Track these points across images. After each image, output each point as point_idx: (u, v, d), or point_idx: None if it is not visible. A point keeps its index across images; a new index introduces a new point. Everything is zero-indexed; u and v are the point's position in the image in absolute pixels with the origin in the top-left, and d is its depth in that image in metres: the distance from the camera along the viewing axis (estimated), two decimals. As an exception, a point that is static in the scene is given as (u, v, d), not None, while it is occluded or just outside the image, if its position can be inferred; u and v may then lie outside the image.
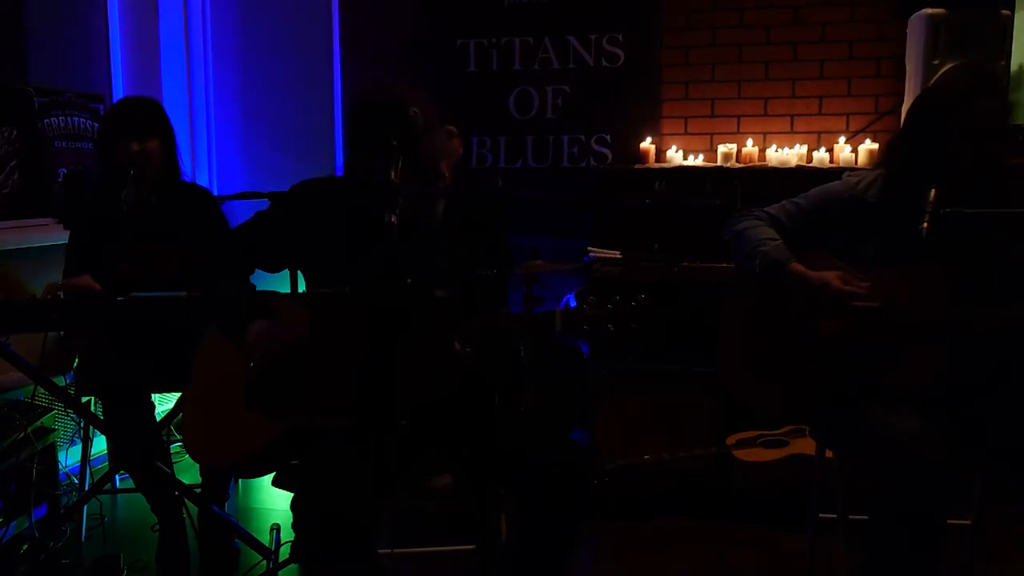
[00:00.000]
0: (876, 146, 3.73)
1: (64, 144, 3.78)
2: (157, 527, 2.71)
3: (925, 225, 1.98)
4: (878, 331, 2.13)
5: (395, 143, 1.71)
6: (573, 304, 3.70)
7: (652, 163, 3.99)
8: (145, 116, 2.78)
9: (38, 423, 2.91)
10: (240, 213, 2.93)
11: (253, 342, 1.91)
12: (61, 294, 2.52)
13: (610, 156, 4.18)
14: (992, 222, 2.09)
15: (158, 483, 2.64)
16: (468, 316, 1.82)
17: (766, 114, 4.02)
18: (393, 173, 1.67)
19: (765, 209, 2.33)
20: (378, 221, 1.72)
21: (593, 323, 1.82)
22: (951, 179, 2.07)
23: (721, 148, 3.90)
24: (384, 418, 1.90)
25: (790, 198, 2.34)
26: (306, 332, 1.90)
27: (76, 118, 3.85)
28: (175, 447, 3.38)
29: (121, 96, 4.18)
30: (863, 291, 2.13)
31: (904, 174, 2.18)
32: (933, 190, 2.02)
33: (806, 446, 3.06)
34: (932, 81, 3.36)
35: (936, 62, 3.38)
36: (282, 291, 2.05)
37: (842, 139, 3.86)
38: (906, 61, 3.60)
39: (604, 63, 4.15)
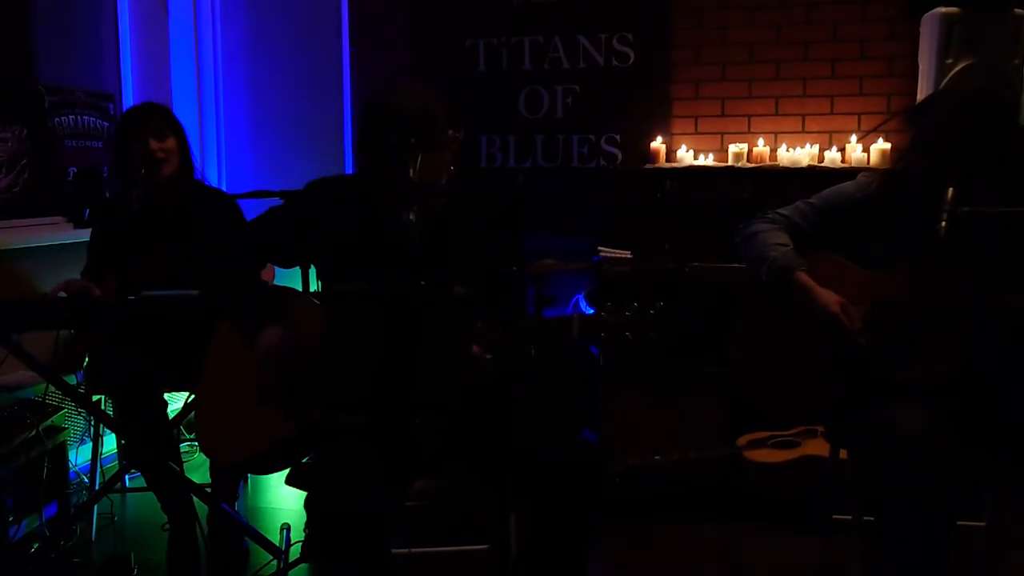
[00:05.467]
0: (888, 146, 3.72)
1: (74, 143, 3.78)
2: (167, 526, 2.71)
3: (943, 224, 1.97)
4: (891, 328, 2.12)
5: (413, 140, 1.71)
6: (583, 304, 3.69)
7: (662, 163, 3.97)
8: (161, 117, 2.81)
9: (48, 422, 2.90)
10: (250, 212, 2.92)
11: (263, 356, 1.91)
12: (63, 293, 2.54)
13: (620, 156, 4.17)
14: (1009, 220, 2.08)
15: (169, 482, 2.64)
16: (487, 314, 1.81)
17: (777, 114, 4.00)
18: (412, 171, 1.67)
19: (779, 211, 2.33)
20: (395, 218, 1.71)
21: (611, 331, 1.80)
22: (966, 178, 2.06)
23: (732, 148, 3.88)
24: (399, 416, 1.90)
25: (804, 199, 2.34)
26: (318, 340, 1.90)
27: (86, 117, 3.85)
28: (184, 446, 3.38)
29: (131, 94, 4.19)
30: (855, 329, 2.12)
31: (916, 173, 2.18)
32: (951, 189, 2.01)
33: (818, 447, 3.05)
34: (944, 81, 3.36)
35: (949, 61, 3.37)
36: (294, 287, 2.05)
37: (854, 138, 3.84)
38: (919, 60, 3.58)
39: (614, 62, 4.14)
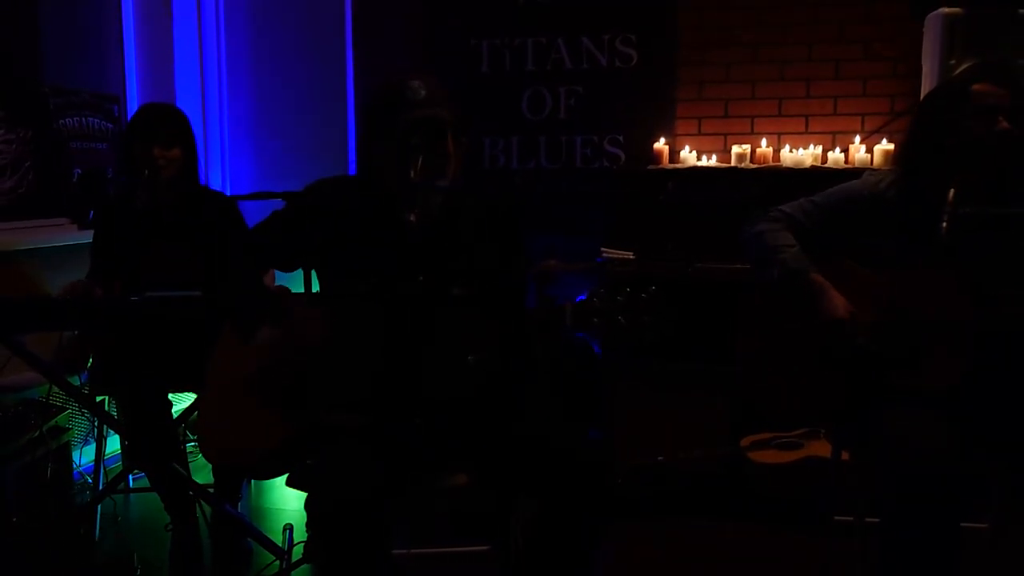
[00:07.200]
0: (892, 147, 3.71)
1: (79, 144, 3.79)
2: (170, 527, 2.72)
3: (944, 225, 1.96)
4: (897, 333, 2.11)
5: (415, 141, 1.70)
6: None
7: (665, 164, 3.97)
8: (170, 125, 2.80)
9: (52, 422, 2.91)
10: (253, 213, 2.93)
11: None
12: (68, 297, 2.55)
13: (623, 157, 4.16)
14: (1012, 221, 2.08)
15: (172, 482, 2.65)
16: (486, 315, 1.81)
17: (780, 114, 3.99)
18: (412, 172, 1.66)
19: (781, 208, 2.32)
20: (397, 220, 1.70)
21: (604, 316, 1.79)
22: (968, 176, 2.06)
23: (735, 149, 3.88)
24: (399, 416, 1.90)
25: (808, 196, 2.33)
26: (316, 341, 1.89)
27: (91, 119, 3.86)
28: (188, 447, 3.39)
29: (136, 96, 4.20)
30: (859, 338, 2.12)
31: (917, 173, 2.17)
32: (951, 190, 2.00)
33: (821, 448, 3.05)
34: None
35: (953, 62, 3.35)
36: (296, 290, 2.04)
37: (857, 139, 3.84)
38: (922, 61, 3.57)
39: (617, 63, 4.14)
